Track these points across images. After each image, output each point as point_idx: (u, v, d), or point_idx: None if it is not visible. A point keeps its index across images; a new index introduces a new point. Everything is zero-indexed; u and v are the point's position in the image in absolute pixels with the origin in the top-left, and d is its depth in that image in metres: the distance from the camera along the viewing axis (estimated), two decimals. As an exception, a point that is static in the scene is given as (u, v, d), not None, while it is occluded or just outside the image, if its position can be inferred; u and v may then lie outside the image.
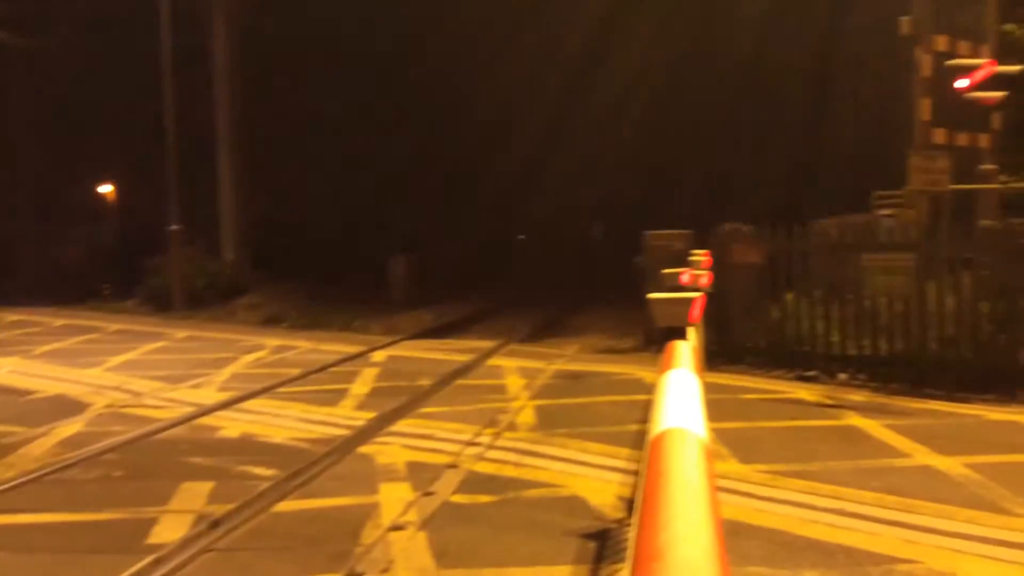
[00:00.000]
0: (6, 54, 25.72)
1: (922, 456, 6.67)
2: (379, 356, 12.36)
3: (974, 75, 10.99)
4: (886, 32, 11.79)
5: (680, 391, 2.16)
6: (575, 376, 10.49)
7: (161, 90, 18.93)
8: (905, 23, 11.19)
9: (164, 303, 18.99)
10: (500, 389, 9.67)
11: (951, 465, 6.38)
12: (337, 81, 26.00)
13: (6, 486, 6.27)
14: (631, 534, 2.38)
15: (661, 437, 1.71)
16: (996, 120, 11.73)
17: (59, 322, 17.10)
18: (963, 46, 11.51)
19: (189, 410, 8.75)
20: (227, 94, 21.73)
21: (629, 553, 3.73)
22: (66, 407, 9.06)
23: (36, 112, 27.70)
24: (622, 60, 26.94)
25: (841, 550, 4.81)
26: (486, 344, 13.43)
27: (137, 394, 9.70)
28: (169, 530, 5.32)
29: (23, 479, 6.43)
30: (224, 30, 21.61)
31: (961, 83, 11.02)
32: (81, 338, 14.68)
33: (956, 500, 5.61)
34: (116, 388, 10.06)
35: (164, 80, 18.76)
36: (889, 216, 12.21)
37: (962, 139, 11.67)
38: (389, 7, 24.76)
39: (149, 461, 6.98)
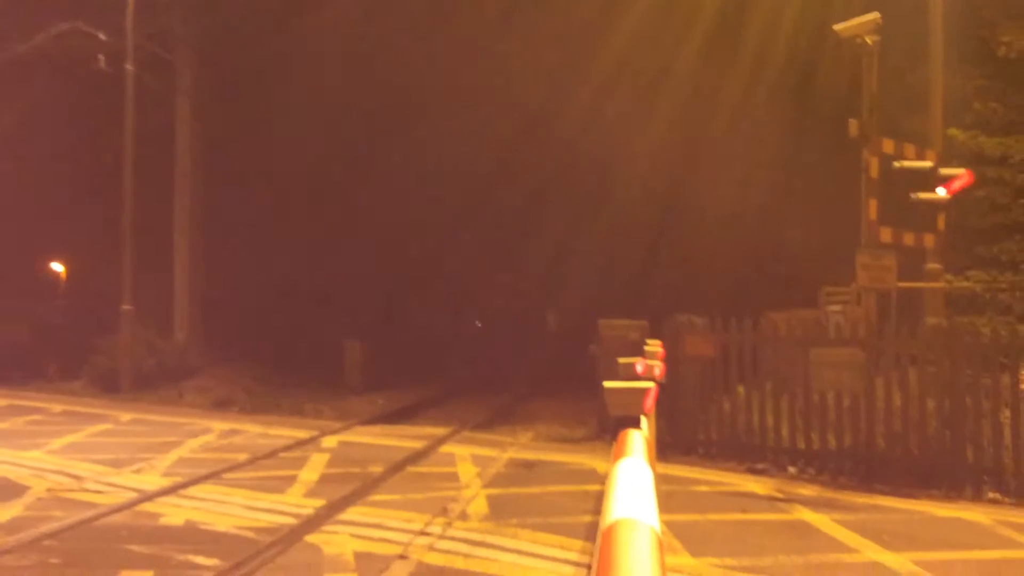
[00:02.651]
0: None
1: (871, 552, 6.70)
2: (330, 441, 12.19)
3: (951, 184, 11.38)
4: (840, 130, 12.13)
5: (632, 481, 2.17)
6: (528, 465, 10.42)
7: (118, 167, 18.90)
8: (853, 125, 11.57)
9: (111, 384, 18.59)
10: (452, 477, 9.57)
11: (899, 562, 6.40)
12: (298, 168, 26.16)
13: (-64, 572, 6.04)
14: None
15: (613, 527, 1.73)
16: (941, 221, 12.09)
17: (2, 402, 16.65)
18: (909, 149, 11.91)
19: (131, 496, 8.53)
20: (187, 175, 21.77)
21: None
22: (5, 490, 8.78)
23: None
24: (579, 161, 27.45)
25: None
26: (439, 431, 13.32)
27: (79, 478, 9.44)
28: (106, 620, 5.15)
29: (-46, 565, 6.20)
30: (187, 112, 21.75)
31: (940, 191, 11.40)
32: (24, 419, 14.30)
33: (905, 596, 5.62)
34: (57, 471, 9.79)
35: (125, 159, 18.75)
36: (838, 312, 12.44)
37: (908, 239, 11.98)
38: (350, 98, 25.11)
39: (88, 548, 6.77)
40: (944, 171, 11.59)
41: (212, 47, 22.10)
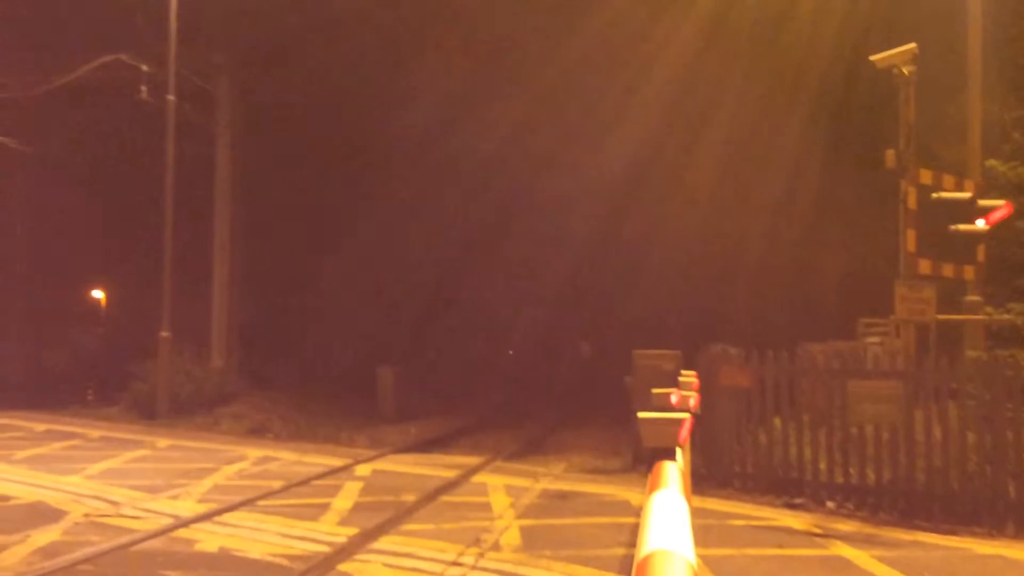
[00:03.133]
0: (4, 158, 26.04)
1: (912, 589, 6.57)
2: (364, 470, 12.20)
3: (991, 215, 11.24)
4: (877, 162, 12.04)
5: (668, 513, 2.16)
6: (562, 496, 10.36)
7: (160, 196, 19.18)
8: (890, 156, 11.48)
9: (148, 410, 18.75)
10: (485, 507, 9.53)
11: (941, 599, 6.28)
12: (332, 195, 26.44)
13: (-25, 595, 6.11)
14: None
15: (648, 559, 1.71)
16: (981, 252, 11.93)
17: (41, 427, 16.87)
18: (948, 180, 11.78)
19: (167, 522, 8.59)
20: (226, 204, 22.03)
21: None
22: (43, 515, 8.88)
23: (30, 216, 27.94)
24: (613, 194, 27.50)
25: None
26: (472, 460, 13.29)
27: (115, 503, 9.53)
28: (141, 646, 5.17)
29: (-7, 588, 6.27)
30: (226, 141, 22.05)
31: (980, 222, 11.24)
32: (63, 444, 14.47)
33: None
34: (95, 496, 9.89)
35: (165, 188, 19.03)
36: (876, 344, 12.29)
37: (947, 270, 11.83)
38: (385, 124, 25.35)
39: (124, 573, 6.82)
40: (983, 202, 11.45)
41: (252, 77, 22.43)
